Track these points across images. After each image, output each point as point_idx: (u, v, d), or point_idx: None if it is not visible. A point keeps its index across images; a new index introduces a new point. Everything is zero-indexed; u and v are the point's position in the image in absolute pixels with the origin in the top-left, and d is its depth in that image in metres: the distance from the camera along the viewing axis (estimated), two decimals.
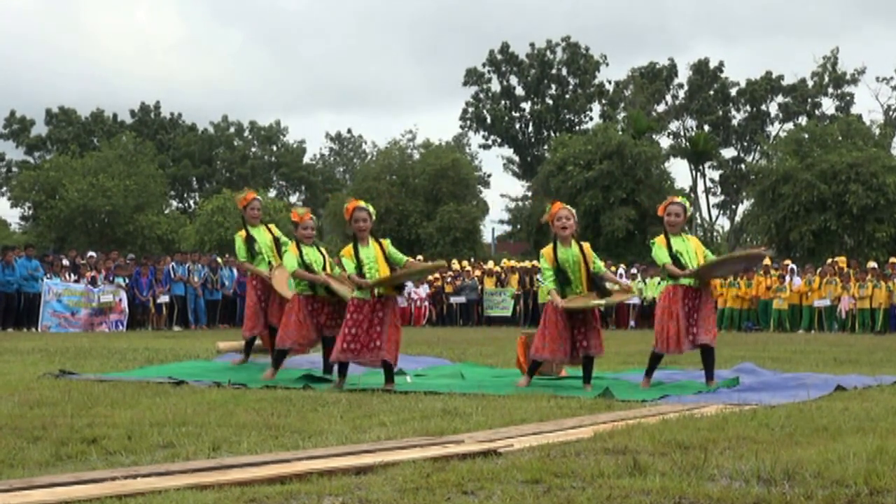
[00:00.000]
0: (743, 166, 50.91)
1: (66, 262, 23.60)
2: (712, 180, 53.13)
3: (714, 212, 53.51)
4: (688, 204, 9.02)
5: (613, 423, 5.86)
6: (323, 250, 9.75)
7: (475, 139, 57.48)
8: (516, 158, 56.98)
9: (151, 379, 8.73)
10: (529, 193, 46.50)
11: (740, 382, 8.75)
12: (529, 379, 8.76)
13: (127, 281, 23.02)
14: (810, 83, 52.45)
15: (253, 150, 60.93)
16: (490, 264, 31.93)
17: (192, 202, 59.87)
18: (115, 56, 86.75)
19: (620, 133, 41.95)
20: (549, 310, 8.70)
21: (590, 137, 41.47)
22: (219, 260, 25.75)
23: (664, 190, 39.64)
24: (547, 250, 8.79)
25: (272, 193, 55.07)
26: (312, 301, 9.30)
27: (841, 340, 19.25)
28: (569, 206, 8.87)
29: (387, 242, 8.51)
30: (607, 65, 55.53)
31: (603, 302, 8.60)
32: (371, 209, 8.51)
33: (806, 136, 38.97)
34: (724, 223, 53.76)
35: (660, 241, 8.75)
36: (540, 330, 8.74)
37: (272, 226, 10.68)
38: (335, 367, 8.62)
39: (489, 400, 7.27)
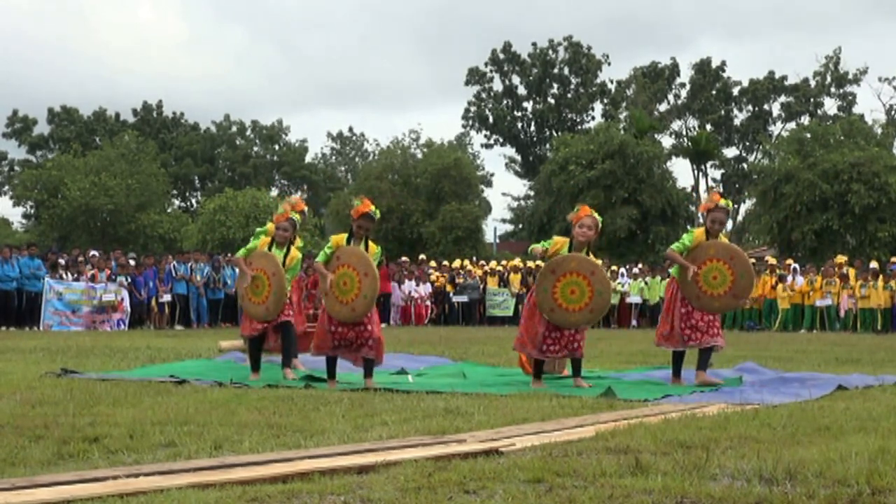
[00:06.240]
0: (745, 166, 50.88)
1: (78, 260, 23.55)
2: (714, 180, 53.16)
3: None
4: (731, 206, 8.89)
5: (615, 422, 5.86)
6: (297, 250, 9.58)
7: (477, 138, 57.57)
8: (518, 158, 56.97)
9: (153, 378, 8.72)
10: (532, 193, 46.47)
11: (743, 382, 8.76)
12: (538, 381, 8.71)
13: (129, 280, 23.02)
14: (812, 83, 52.42)
15: (255, 149, 60.94)
16: (492, 264, 31.90)
17: (194, 201, 59.90)
18: (118, 55, 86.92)
19: (622, 132, 41.92)
20: (525, 304, 8.95)
21: (592, 137, 41.45)
22: (221, 259, 25.73)
23: (666, 189, 39.65)
24: (561, 241, 8.79)
25: (274, 192, 55.09)
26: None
27: (843, 340, 19.23)
28: (596, 215, 8.77)
29: (374, 249, 8.36)
30: (609, 64, 55.60)
31: None
32: (377, 216, 8.44)
33: (808, 135, 38.92)
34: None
35: (697, 232, 8.80)
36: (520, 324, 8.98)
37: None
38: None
39: (491, 399, 7.26)
